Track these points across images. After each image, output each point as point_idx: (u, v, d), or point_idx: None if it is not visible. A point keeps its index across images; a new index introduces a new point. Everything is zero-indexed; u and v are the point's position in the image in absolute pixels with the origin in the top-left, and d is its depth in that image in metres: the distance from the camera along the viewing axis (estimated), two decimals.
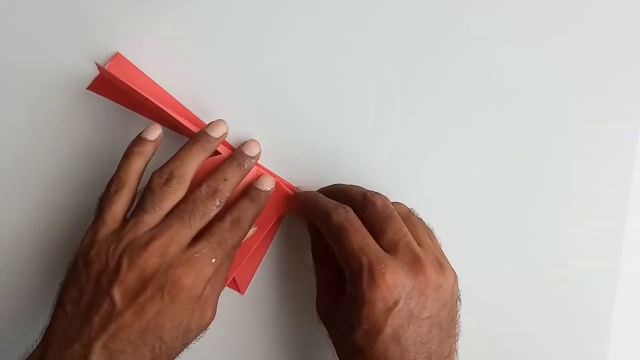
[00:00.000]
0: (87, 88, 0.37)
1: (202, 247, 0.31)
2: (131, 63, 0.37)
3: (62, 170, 0.38)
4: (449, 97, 0.39)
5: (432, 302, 0.31)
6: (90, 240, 0.31)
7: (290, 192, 0.37)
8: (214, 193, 0.33)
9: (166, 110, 0.35)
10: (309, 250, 0.38)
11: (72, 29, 0.37)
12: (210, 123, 0.35)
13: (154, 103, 0.34)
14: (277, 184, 0.36)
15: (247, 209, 0.34)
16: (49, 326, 0.31)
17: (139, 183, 0.34)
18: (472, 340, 0.38)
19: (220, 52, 0.38)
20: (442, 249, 0.35)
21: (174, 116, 0.35)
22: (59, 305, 0.31)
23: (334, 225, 0.32)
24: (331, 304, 0.34)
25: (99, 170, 0.38)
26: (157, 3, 0.37)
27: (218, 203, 0.33)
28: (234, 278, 0.38)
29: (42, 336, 0.31)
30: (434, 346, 0.31)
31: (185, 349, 0.32)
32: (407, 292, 0.31)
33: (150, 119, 0.37)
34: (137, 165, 0.33)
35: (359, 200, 0.34)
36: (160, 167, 0.33)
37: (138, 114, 0.37)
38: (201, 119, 0.37)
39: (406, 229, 0.33)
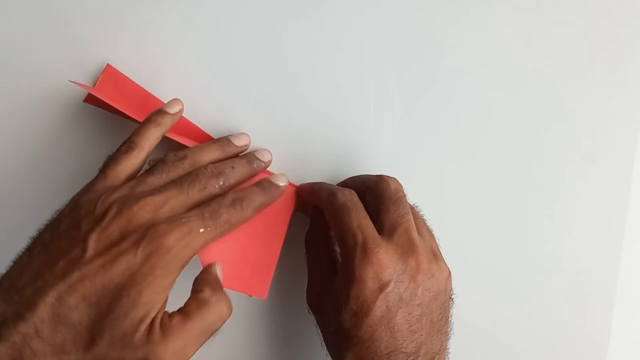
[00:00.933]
0: (84, 101, 0.37)
1: (193, 214, 0.29)
2: (122, 74, 0.36)
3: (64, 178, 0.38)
4: (449, 96, 0.39)
5: (422, 291, 0.31)
6: (86, 190, 0.30)
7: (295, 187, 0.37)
8: (218, 173, 0.32)
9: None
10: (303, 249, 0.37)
11: (63, 40, 0.36)
12: (233, 135, 0.36)
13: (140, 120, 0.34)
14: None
15: (254, 194, 0.33)
16: (7, 268, 0.28)
17: (149, 151, 0.33)
18: (472, 340, 0.39)
19: (218, 53, 0.38)
20: (440, 248, 0.35)
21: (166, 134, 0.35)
22: (27, 249, 0.28)
23: (338, 203, 0.33)
24: (321, 291, 0.34)
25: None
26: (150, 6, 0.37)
27: (221, 183, 0.32)
28: (250, 282, 0.35)
29: None
30: (422, 336, 0.31)
31: None
32: (398, 275, 0.31)
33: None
34: (151, 133, 0.33)
35: (373, 180, 0.34)
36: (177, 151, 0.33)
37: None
38: (199, 124, 0.38)
39: (410, 216, 0.33)
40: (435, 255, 0.33)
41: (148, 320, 0.27)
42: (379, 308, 0.30)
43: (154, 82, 0.37)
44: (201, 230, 0.29)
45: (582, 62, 0.39)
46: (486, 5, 0.39)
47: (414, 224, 0.33)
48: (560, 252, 0.39)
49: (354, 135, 0.39)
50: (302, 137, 0.39)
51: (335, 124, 0.39)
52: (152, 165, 0.32)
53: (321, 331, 0.34)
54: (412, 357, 0.31)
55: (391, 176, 0.35)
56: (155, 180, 0.31)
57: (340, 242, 0.32)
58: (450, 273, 0.34)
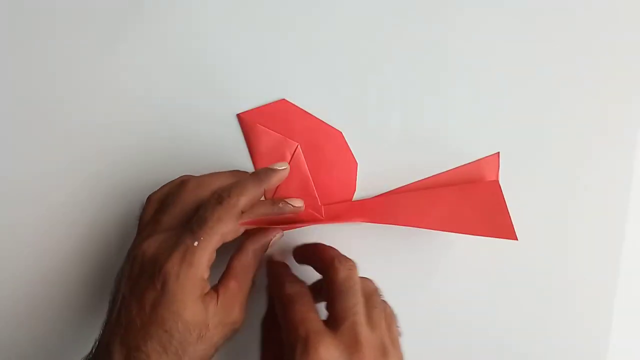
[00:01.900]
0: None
1: (185, 235, 0.31)
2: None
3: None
4: (448, 97, 0.39)
5: None
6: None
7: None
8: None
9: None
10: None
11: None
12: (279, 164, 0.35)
13: None
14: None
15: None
16: None
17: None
18: (472, 341, 0.39)
19: (227, 52, 0.38)
20: (399, 338, 0.33)
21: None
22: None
23: (285, 294, 0.32)
24: None
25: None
26: None
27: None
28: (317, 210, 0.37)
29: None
30: None
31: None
32: None
33: None
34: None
35: (326, 265, 0.33)
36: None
37: None
38: None
39: (360, 307, 0.31)
40: (385, 351, 0.31)
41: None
42: None
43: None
44: (195, 244, 0.30)
45: (582, 62, 0.39)
46: (487, 7, 0.39)
47: (363, 317, 0.31)
48: (560, 252, 0.39)
49: (354, 135, 0.39)
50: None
51: (335, 124, 0.39)
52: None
53: None
54: None
55: (346, 258, 0.33)
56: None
57: (284, 335, 0.31)
58: None
